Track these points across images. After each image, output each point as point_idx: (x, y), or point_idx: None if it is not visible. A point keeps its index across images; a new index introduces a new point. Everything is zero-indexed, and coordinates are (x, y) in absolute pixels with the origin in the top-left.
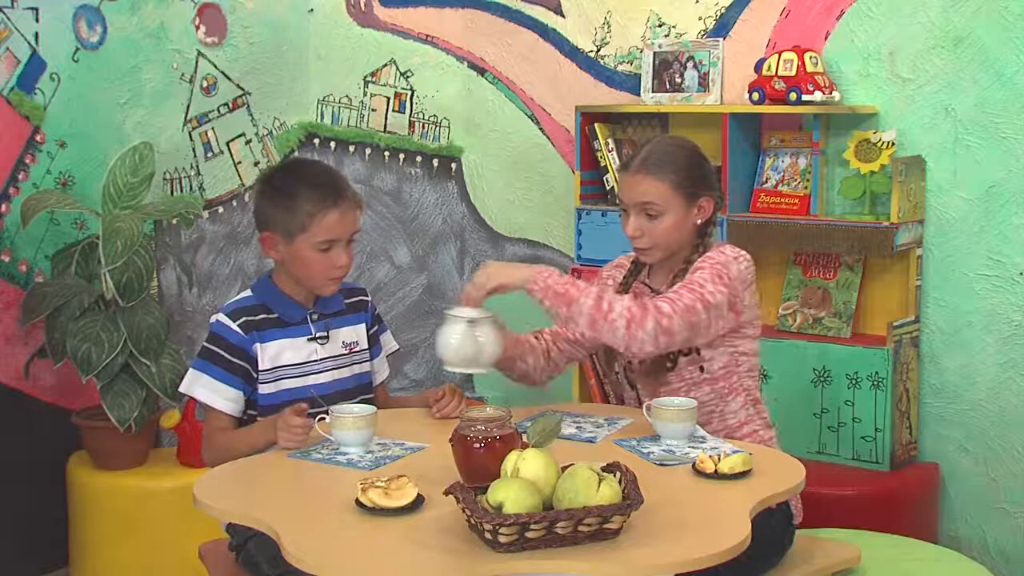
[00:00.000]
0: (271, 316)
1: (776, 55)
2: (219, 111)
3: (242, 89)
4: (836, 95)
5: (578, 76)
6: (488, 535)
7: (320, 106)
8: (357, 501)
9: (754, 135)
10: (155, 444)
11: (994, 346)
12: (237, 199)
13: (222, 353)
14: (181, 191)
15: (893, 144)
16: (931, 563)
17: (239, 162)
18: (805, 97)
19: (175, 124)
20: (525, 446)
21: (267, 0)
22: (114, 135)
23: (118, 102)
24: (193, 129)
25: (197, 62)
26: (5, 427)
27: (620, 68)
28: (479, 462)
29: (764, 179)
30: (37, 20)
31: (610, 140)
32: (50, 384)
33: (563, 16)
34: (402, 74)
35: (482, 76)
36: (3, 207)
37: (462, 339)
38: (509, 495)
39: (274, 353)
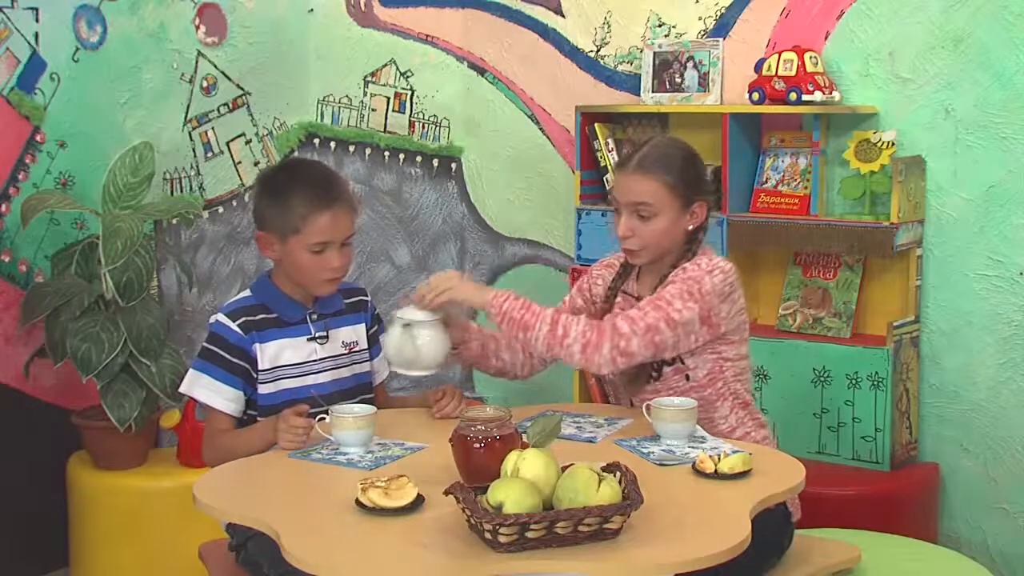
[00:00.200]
0: (270, 316)
1: (776, 55)
2: (219, 111)
3: (242, 89)
4: (836, 95)
5: (578, 76)
6: (488, 535)
7: (320, 106)
8: (357, 501)
9: (754, 135)
10: (155, 444)
11: (994, 346)
12: (237, 199)
13: (222, 353)
14: (181, 191)
15: (893, 144)
16: (931, 563)
17: (239, 162)
18: (805, 97)
19: (175, 124)
20: (525, 446)
21: (267, 0)
22: (114, 135)
23: (118, 102)
24: (193, 129)
25: (197, 62)
26: (5, 427)
27: (620, 68)
28: (479, 462)
29: (764, 179)
30: (37, 20)
31: (610, 140)
32: (50, 384)
33: (563, 16)
34: (402, 74)
35: (482, 76)
36: (3, 207)
37: (400, 341)
38: (509, 495)
39: (273, 353)
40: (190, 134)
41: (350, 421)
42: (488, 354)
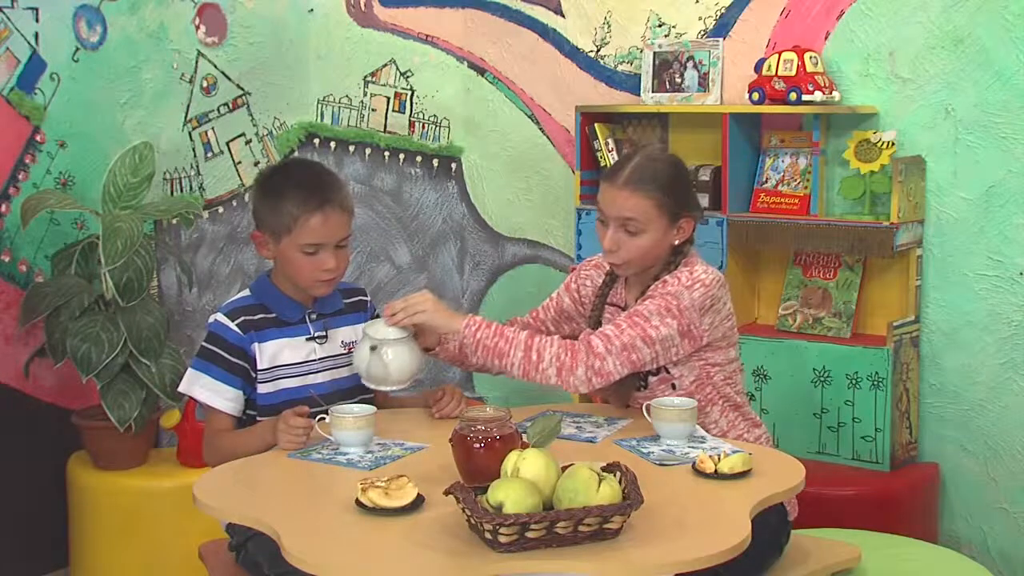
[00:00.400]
0: (269, 316)
1: (776, 55)
2: (219, 111)
3: (242, 89)
4: (836, 95)
5: (578, 76)
6: (488, 535)
7: (320, 106)
8: (357, 501)
9: (754, 135)
10: (155, 444)
11: (994, 346)
12: (237, 199)
13: (221, 353)
14: (181, 191)
15: (893, 144)
16: (931, 563)
17: (239, 162)
18: (805, 97)
19: (175, 124)
20: (525, 446)
21: (267, 0)
22: (114, 135)
23: (118, 102)
24: (193, 129)
25: (197, 62)
26: (5, 427)
27: (620, 68)
28: (479, 462)
29: (764, 179)
30: (37, 20)
31: (610, 140)
32: (50, 384)
33: (563, 16)
34: (402, 74)
35: (482, 76)
36: (3, 207)
37: (369, 360)
38: (509, 495)
39: (272, 353)
40: (190, 134)
41: (350, 421)
42: (467, 352)
